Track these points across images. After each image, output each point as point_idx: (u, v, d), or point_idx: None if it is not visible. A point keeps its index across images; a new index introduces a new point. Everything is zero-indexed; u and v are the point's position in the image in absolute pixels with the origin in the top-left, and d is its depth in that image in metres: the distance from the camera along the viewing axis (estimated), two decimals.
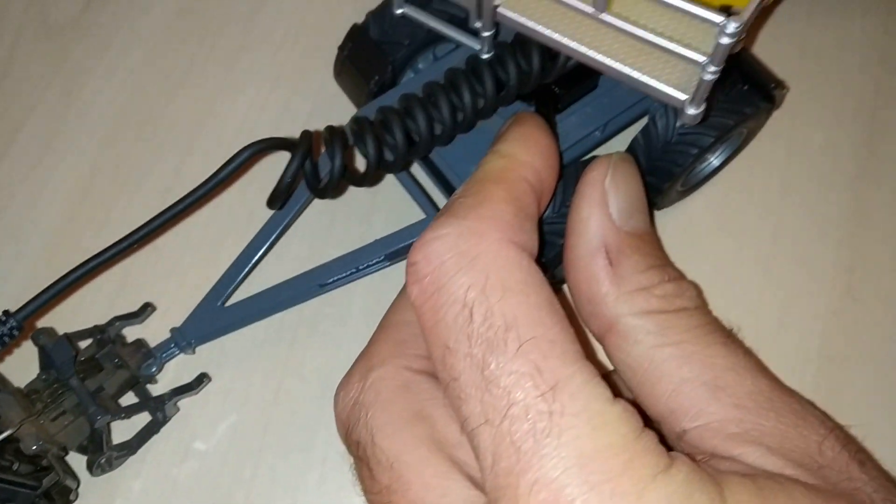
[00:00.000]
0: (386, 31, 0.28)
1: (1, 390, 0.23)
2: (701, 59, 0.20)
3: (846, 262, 0.30)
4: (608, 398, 0.19)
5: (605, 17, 0.21)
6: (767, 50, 0.33)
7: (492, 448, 0.19)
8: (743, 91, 0.27)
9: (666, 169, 0.27)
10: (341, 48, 0.29)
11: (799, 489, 0.20)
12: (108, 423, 0.24)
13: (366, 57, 0.28)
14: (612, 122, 0.27)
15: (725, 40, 0.19)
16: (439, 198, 0.27)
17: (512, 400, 0.18)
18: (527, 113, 0.23)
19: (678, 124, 0.26)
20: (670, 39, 0.21)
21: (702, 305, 0.23)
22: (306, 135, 0.23)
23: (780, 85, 0.28)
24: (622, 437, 0.19)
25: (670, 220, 0.30)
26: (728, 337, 0.22)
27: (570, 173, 0.25)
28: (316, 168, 0.23)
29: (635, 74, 0.22)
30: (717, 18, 0.19)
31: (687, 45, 0.21)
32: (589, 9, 0.21)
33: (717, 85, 0.25)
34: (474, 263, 0.19)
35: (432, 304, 0.19)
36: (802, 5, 0.34)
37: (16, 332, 0.21)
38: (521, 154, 0.22)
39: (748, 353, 0.22)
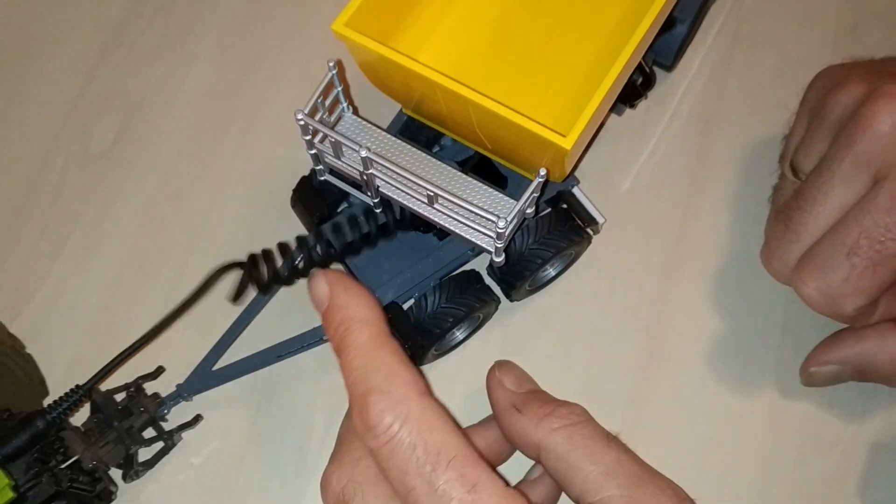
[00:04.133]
0: (322, 183, 0.41)
1: (69, 429, 0.36)
2: (492, 235, 0.33)
3: (652, 331, 0.43)
4: (504, 485, 0.29)
5: (436, 206, 0.34)
6: (606, 169, 0.45)
7: None
8: (565, 228, 0.39)
9: (511, 279, 0.40)
10: (294, 191, 0.42)
11: None
12: (136, 450, 0.38)
13: (309, 199, 0.41)
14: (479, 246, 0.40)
15: (500, 230, 0.32)
16: None
17: (451, 496, 0.28)
18: (325, 277, 0.32)
19: (521, 250, 0.39)
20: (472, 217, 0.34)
21: (589, 418, 0.34)
22: (250, 257, 0.36)
23: (595, 222, 0.41)
24: None
25: (522, 308, 0.43)
26: (611, 438, 0.33)
27: (451, 282, 0.39)
28: (260, 277, 0.36)
29: (464, 234, 0.35)
30: (493, 217, 0.32)
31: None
32: (424, 199, 0.34)
33: (558, 221, 0.38)
34: (408, 419, 0.29)
35: (388, 448, 0.29)
36: (637, 131, 0.47)
37: (83, 398, 0.35)
38: (364, 313, 0.31)
39: (623, 447, 0.33)
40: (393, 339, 0.31)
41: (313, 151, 0.36)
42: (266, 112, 0.48)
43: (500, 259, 0.35)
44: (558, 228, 0.39)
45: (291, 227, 0.43)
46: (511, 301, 0.42)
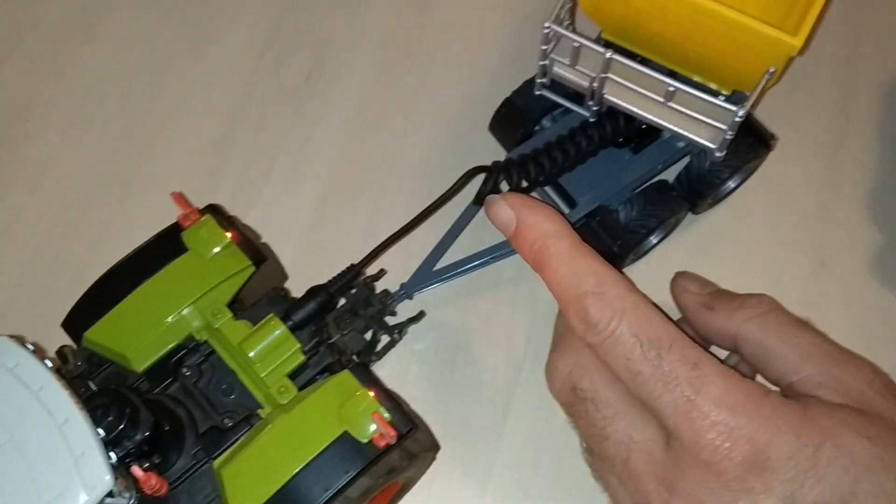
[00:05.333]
0: (526, 103, 0.45)
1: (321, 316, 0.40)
2: (723, 127, 0.37)
3: (817, 242, 0.47)
4: (720, 363, 0.32)
5: (670, 104, 0.38)
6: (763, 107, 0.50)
7: (671, 404, 0.31)
8: (749, 142, 0.44)
9: (701, 189, 0.44)
10: (497, 111, 0.45)
11: (848, 410, 0.33)
12: (379, 338, 0.41)
13: (514, 118, 0.45)
14: (669, 160, 0.44)
15: (738, 118, 0.36)
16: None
17: (677, 374, 0.31)
18: (507, 200, 0.35)
19: (707, 163, 0.43)
20: (704, 113, 0.38)
21: (778, 306, 0.37)
22: (495, 164, 0.40)
23: (773, 137, 0.45)
24: (738, 380, 0.32)
25: (703, 219, 0.47)
26: (803, 323, 0.36)
27: (648, 190, 0.43)
28: (497, 185, 0.41)
29: (686, 133, 0.39)
30: (733, 108, 0.36)
31: (713, 118, 0.38)
32: (661, 99, 0.39)
33: (737, 138, 0.42)
34: (625, 314, 0.32)
35: (611, 341, 0.32)
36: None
37: (355, 278, 0.39)
38: (556, 227, 0.34)
39: (816, 330, 0.36)
40: (588, 246, 0.35)
41: (544, 62, 0.40)
42: (444, 49, 0.52)
43: (721, 154, 0.39)
44: (743, 141, 0.43)
45: (478, 148, 0.48)
46: (695, 213, 0.46)
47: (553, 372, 0.37)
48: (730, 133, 0.37)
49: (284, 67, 0.52)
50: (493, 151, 0.47)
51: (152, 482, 0.31)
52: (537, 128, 0.46)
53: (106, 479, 0.28)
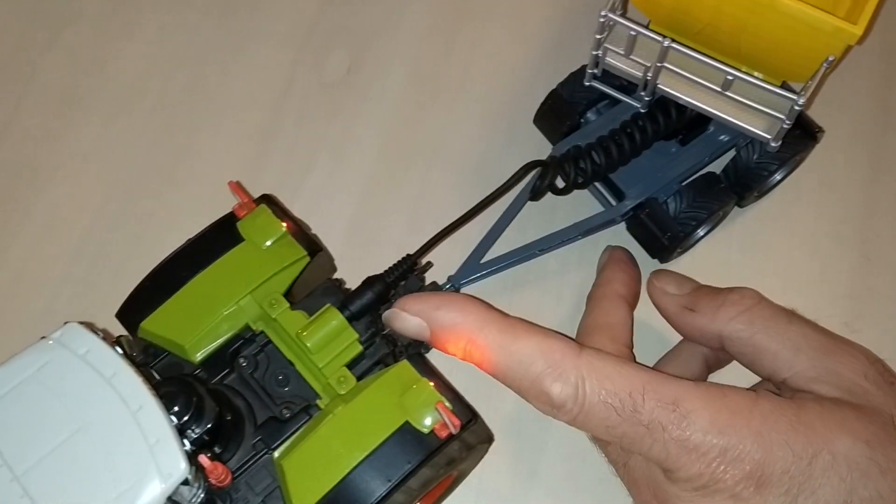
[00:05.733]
0: (572, 96, 0.45)
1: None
2: (782, 117, 0.37)
3: (863, 236, 0.47)
4: (697, 385, 0.32)
5: (728, 93, 0.38)
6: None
7: (664, 451, 0.31)
8: (796, 134, 0.43)
9: (748, 182, 0.44)
10: (543, 104, 0.45)
11: (845, 409, 0.32)
12: None
13: (560, 110, 0.45)
14: (716, 152, 0.44)
15: (797, 108, 0.36)
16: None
17: (660, 421, 0.30)
18: (408, 309, 0.34)
19: (755, 155, 0.43)
20: (761, 103, 0.38)
21: (763, 298, 0.36)
22: (552, 159, 0.40)
23: (820, 129, 0.45)
24: (721, 398, 0.31)
25: (748, 213, 0.47)
26: (790, 314, 0.35)
27: (697, 182, 0.43)
28: (553, 180, 0.40)
29: (741, 124, 0.39)
30: (794, 97, 0.36)
31: (771, 108, 0.38)
32: (717, 89, 0.38)
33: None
34: (585, 380, 0.31)
35: (583, 413, 0.31)
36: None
37: (411, 268, 0.39)
38: (474, 317, 0.33)
39: (805, 320, 0.35)
40: (514, 319, 0.33)
41: (598, 51, 0.40)
42: (486, 41, 0.52)
43: (777, 144, 0.39)
44: (790, 133, 0.43)
45: (522, 141, 0.48)
46: (740, 206, 0.46)
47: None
48: (787, 123, 0.37)
49: (325, 61, 0.52)
50: (537, 144, 0.47)
51: (219, 471, 0.31)
52: (582, 120, 0.46)
53: (182, 467, 0.28)
